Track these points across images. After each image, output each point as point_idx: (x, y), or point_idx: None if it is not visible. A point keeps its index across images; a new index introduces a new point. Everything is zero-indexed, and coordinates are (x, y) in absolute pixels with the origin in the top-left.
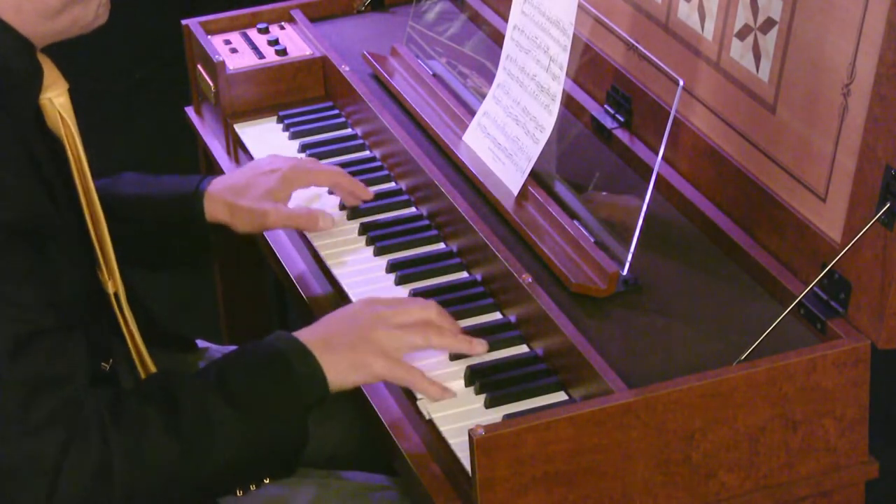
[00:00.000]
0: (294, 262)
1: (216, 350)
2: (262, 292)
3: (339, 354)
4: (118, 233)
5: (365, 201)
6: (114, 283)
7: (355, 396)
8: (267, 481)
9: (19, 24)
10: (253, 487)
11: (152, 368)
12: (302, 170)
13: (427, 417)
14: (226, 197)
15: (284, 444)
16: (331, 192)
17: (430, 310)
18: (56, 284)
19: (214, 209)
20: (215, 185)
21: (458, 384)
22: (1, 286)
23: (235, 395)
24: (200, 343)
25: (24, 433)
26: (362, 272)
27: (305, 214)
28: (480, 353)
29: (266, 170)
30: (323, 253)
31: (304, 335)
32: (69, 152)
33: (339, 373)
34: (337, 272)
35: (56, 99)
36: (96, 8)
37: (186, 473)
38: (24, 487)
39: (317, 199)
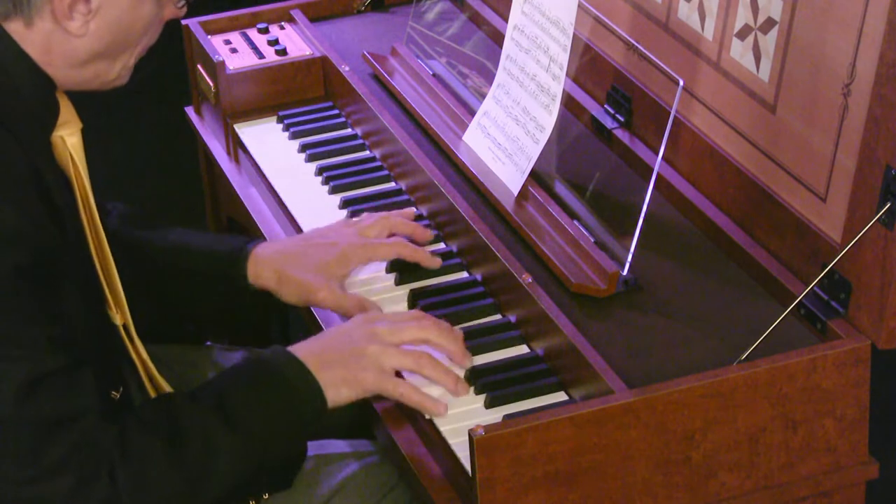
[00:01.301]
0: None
1: (221, 350)
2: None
3: (334, 371)
4: (154, 286)
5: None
6: (122, 315)
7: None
8: (266, 496)
9: (45, 64)
10: (252, 503)
11: (165, 390)
12: (361, 245)
13: (427, 416)
14: (276, 263)
15: (283, 462)
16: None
17: (427, 329)
18: (65, 322)
19: (261, 273)
20: (265, 249)
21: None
22: (10, 328)
23: (236, 418)
24: (206, 343)
25: (36, 476)
26: (363, 272)
27: (357, 303)
28: (461, 395)
29: (325, 241)
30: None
31: (301, 352)
32: (77, 191)
33: (334, 388)
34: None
35: (68, 138)
36: (120, 69)
37: (192, 498)
38: None
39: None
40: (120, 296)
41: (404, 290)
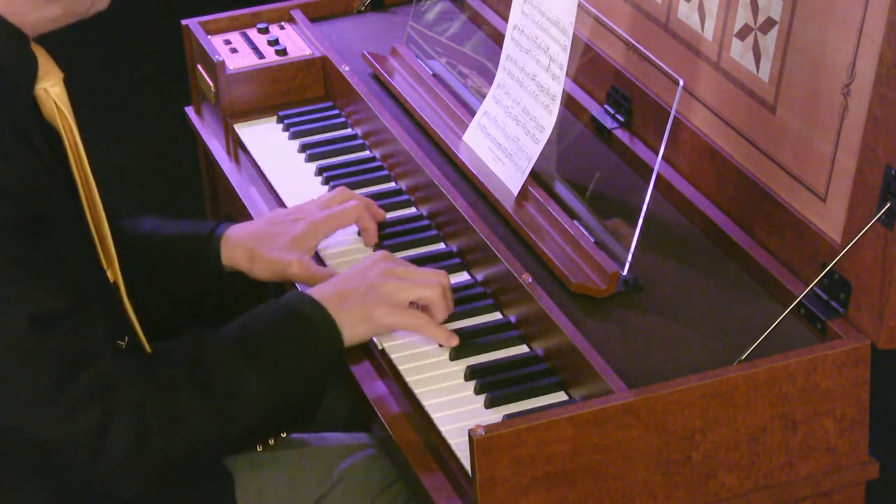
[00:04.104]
0: None
1: None
2: (262, 292)
3: (349, 310)
4: (133, 274)
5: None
6: (113, 273)
7: (354, 396)
8: (284, 435)
9: (11, 13)
10: (272, 442)
11: None
12: (327, 217)
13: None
14: (246, 243)
15: (304, 399)
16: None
17: (441, 275)
18: (67, 267)
19: (233, 255)
20: (235, 231)
21: (457, 383)
22: (16, 274)
23: (257, 355)
24: None
25: (63, 412)
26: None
27: (329, 274)
28: (448, 344)
29: (291, 218)
30: (322, 253)
31: (318, 292)
32: (66, 141)
33: (352, 326)
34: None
35: (51, 89)
36: None
37: (217, 434)
38: (68, 461)
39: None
40: (111, 251)
41: None
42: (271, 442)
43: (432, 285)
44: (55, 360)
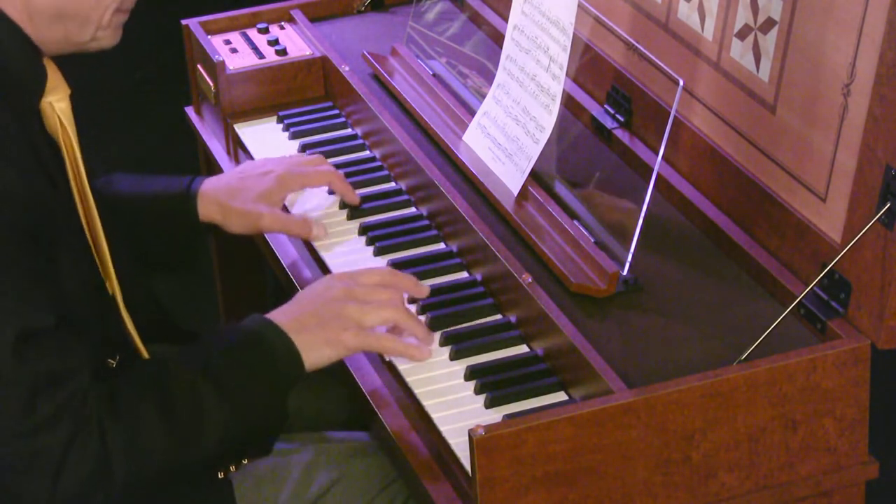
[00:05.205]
0: (293, 259)
1: None
2: (262, 292)
3: (312, 333)
4: (113, 231)
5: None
6: (111, 286)
7: (358, 401)
8: (245, 461)
9: (26, 24)
10: (233, 468)
11: None
12: (296, 173)
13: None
14: (219, 197)
15: (265, 425)
16: (331, 192)
17: (395, 293)
18: (59, 282)
19: (207, 209)
20: (208, 185)
21: (457, 383)
22: (4, 285)
23: (222, 380)
24: None
25: (29, 431)
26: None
27: (300, 221)
28: (430, 345)
29: (260, 171)
30: (323, 253)
31: (278, 317)
32: (66, 157)
33: (314, 350)
34: (336, 272)
35: (57, 104)
36: (94, 31)
37: (180, 458)
38: (28, 482)
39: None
40: (108, 266)
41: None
42: (232, 469)
43: (393, 306)
44: (32, 379)
